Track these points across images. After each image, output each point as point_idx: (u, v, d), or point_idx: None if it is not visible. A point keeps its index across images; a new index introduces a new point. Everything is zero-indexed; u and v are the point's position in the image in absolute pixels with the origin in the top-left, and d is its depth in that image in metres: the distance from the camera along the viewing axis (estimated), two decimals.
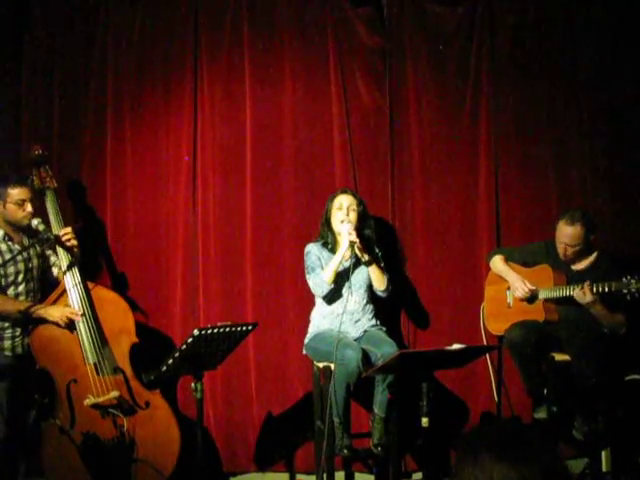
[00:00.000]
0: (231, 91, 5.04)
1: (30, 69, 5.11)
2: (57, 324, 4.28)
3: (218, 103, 5.04)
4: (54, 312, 4.29)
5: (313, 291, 4.52)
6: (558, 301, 4.42)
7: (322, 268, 4.49)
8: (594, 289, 4.23)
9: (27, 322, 4.29)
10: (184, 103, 5.04)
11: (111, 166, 5.04)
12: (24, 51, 5.10)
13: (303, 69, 5.03)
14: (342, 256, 4.43)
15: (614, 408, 4.39)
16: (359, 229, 4.50)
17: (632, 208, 4.93)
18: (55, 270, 4.50)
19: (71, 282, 4.37)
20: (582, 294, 4.24)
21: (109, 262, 5.01)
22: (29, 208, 4.32)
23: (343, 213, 4.51)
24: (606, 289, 4.20)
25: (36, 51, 5.10)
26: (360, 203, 4.57)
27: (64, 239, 4.38)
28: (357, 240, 4.40)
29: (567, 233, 4.37)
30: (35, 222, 4.32)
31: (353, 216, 4.51)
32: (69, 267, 4.39)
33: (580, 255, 4.46)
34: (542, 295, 4.45)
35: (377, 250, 4.61)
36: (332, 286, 4.44)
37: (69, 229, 4.42)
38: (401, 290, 4.84)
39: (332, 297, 4.49)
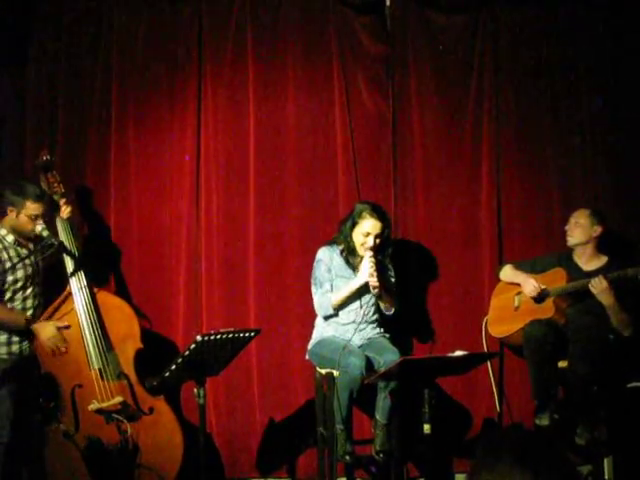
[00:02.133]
0: (235, 98, 5.05)
1: (34, 75, 5.10)
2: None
3: (222, 109, 5.05)
4: (45, 334, 4.28)
5: (315, 309, 4.51)
6: (568, 302, 4.45)
7: (331, 281, 4.46)
8: (610, 276, 4.33)
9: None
10: (188, 109, 5.05)
11: (115, 173, 5.04)
12: (28, 56, 5.11)
13: (307, 76, 5.04)
14: (357, 287, 4.38)
15: (616, 415, 4.39)
16: (378, 251, 4.44)
17: (636, 212, 4.94)
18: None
19: (76, 287, 4.38)
20: (598, 281, 4.31)
21: (115, 268, 5.02)
22: (40, 223, 4.31)
23: (368, 242, 4.39)
24: (621, 275, 4.31)
25: (40, 57, 5.10)
26: (387, 227, 4.45)
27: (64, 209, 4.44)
28: (377, 285, 4.32)
29: (577, 211, 4.58)
30: (39, 228, 4.34)
31: (378, 243, 4.43)
32: (74, 272, 4.40)
33: (586, 249, 4.55)
34: (555, 292, 4.48)
35: (392, 274, 4.56)
36: (336, 312, 4.43)
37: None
38: (404, 297, 4.84)
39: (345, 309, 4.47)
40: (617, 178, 4.98)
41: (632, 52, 4.91)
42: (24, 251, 4.37)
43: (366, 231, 4.41)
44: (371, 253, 4.36)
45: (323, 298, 4.44)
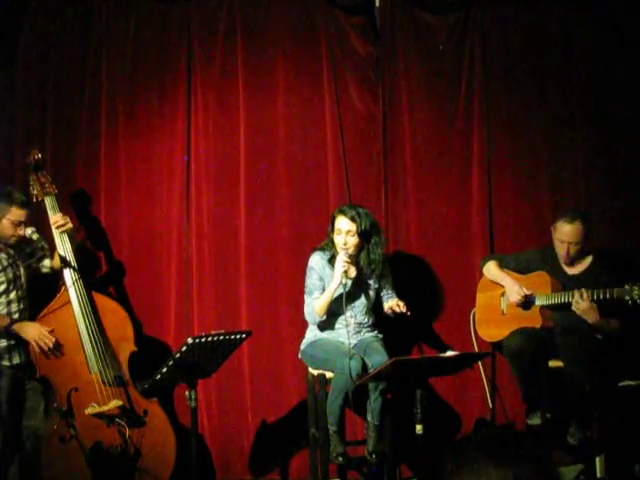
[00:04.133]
0: (225, 99, 5.04)
1: (24, 75, 5.09)
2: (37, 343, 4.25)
3: (212, 111, 5.04)
4: (30, 332, 4.25)
5: (305, 317, 4.49)
6: (554, 307, 4.43)
7: (322, 289, 4.41)
8: (594, 296, 4.23)
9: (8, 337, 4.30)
10: (178, 111, 5.03)
11: (105, 174, 5.02)
12: (17, 56, 5.08)
13: (296, 77, 5.03)
14: (334, 290, 4.32)
15: (608, 414, 4.39)
16: (357, 256, 4.40)
17: (626, 211, 4.95)
18: (47, 261, 4.48)
19: (74, 290, 4.36)
20: (579, 300, 4.23)
21: (110, 271, 4.99)
22: (21, 232, 4.28)
23: (341, 239, 4.36)
24: (607, 296, 4.21)
25: (30, 57, 5.08)
26: (360, 225, 4.33)
27: (57, 227, 4.38)
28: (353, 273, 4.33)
29: (568, 231, 4.38)
30: (29, 231, 4.31)
31: (351, 242, 4.36)
32: (71, 274, 4.37)
33: (579, 256, 4.47)
34: (539, 302, 4.44)
35: (378, 285, 4.52)
36: (324, 317, 4.39)
37: (58, 216, 4.42)
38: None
39: (331, 315, 4.43)
40: (608, 174, 4.98)
41: (624, 47, 4.90)
42: (3, 255, 4.33)
43: (337, 228, 4.39)
44: (343, 252, 4.31)
45: (309, 307, 4.42)
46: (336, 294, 4.35)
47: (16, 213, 4.27)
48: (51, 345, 4.26)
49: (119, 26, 5.04)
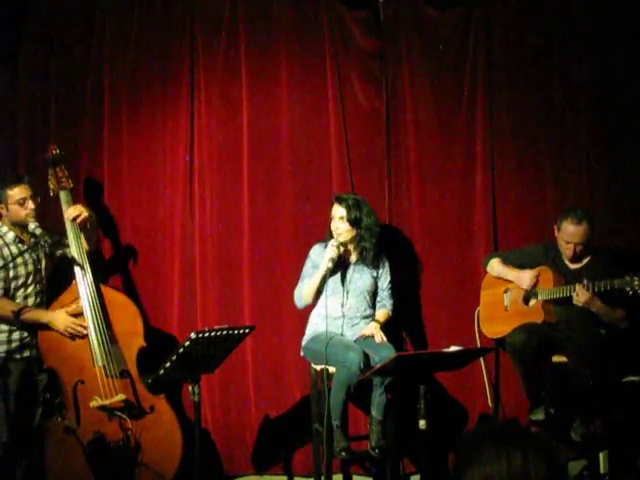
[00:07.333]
0: (228, 94, 5.04)
1: (26, 70, 5.11)
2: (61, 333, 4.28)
3: (215, 105, 5.05)
4: (59, 321, 4.27)
5: (294, 301, 4.56)
6: (557, 302, 4.42)
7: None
8: (596, 288, 4.22)
9: (30, 327, 4.30)
10: (181, 105, 5.05)
11: (108, 168, 5.05)
12: (20, 52, 5.10)
13: (300, 72, 5.03)
14: (321, 275, 4.40)
15: (612, 410, 4.39)
16: (350, 244, 4.49)
17: (629, 210, 4.93)
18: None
19: (82, 283, 4.36)
20: (580, 293, 4.23)
21: (122, 264, 5.00)
22: (31, 205, 4.33)
23: (334, 224, 4.46)
24: (608, 287, 4.20)
25: (33, 52, 5.10)
26: (351, 212, 4.42)
27: (73, 219, 4.39)
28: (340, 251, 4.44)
29: (575, 233, 4.36)
30: (32, 226, 4.32)
31: (342, 227, 4.45)
32: (80, 269, 4.37)
33: (583, 252, 4.46)
34: (542, 296, 4.44)
35: (388, 273, 4.64)
36: (310, 303, 4.48)
37: (71, 210, 4.42)
38: (398, 293, 4.83)
39: (330, 302, 4.46)
40: (611, 174, 4.96)
41: (628, 41, 4.87)
42: (24, 247, 4.35)
43: (332, 214, 4.49)
44: (334, 239, 4.40)
45: (298, 291, 4.53)
46: (335, 275, 4.47)
47: (13, 193, 4.31)
48: (85, 331, 4.28)
49: (122, 19, 5.05)
